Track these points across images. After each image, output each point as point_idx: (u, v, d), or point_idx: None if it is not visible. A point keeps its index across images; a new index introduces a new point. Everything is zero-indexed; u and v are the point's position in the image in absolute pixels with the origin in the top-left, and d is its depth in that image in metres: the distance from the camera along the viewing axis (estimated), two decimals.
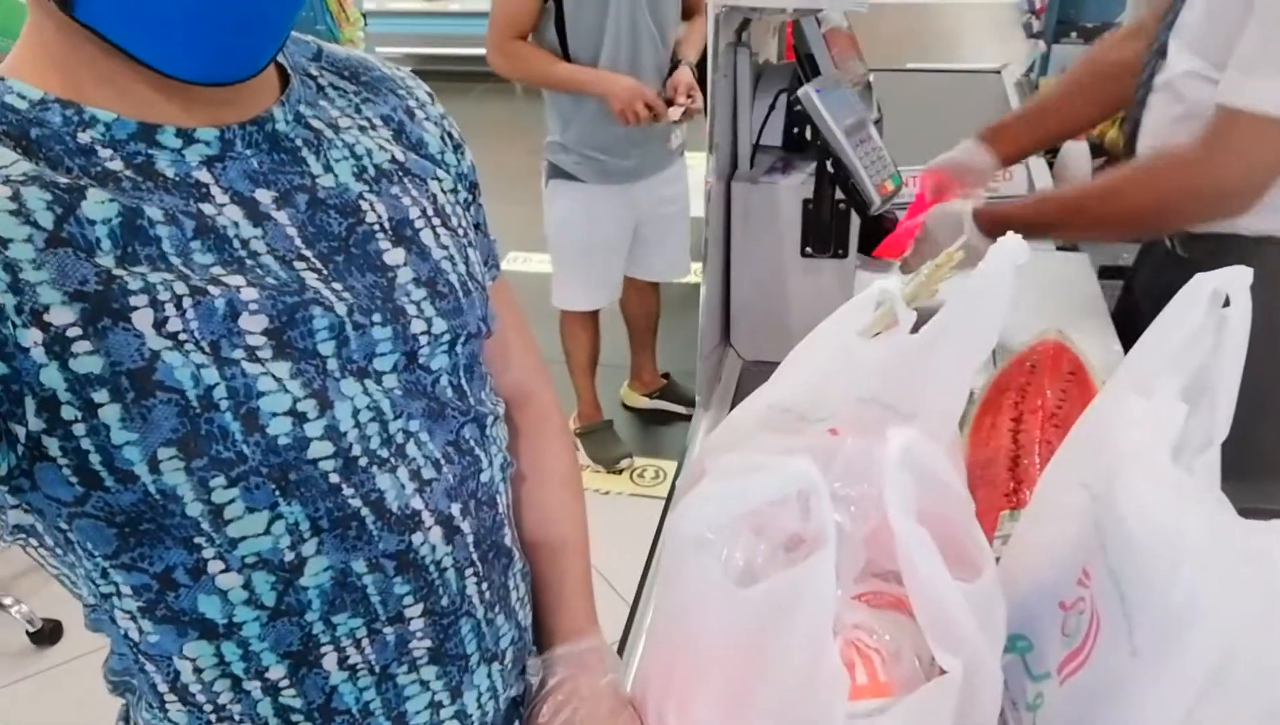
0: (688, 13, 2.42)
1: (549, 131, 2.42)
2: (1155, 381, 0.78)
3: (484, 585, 0.73)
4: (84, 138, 0.57)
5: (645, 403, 3.03)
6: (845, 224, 1.38)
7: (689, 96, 2.33)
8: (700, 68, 2.39)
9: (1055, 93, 1.64)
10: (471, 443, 0.72)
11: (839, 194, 1.30)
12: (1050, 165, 2.15)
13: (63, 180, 0.55)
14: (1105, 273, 1.95)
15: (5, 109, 0.56)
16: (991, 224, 1.36)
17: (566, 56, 2.29)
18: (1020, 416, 1.14)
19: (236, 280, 0.59)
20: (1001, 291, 0.89)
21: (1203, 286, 0.81)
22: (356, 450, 0.63)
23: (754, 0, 1.17)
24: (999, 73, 3.00)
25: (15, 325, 0.51)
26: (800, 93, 1.19)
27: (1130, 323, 1.53)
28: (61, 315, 0.52)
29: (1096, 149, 2.19)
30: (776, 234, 1.43)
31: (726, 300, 1.53)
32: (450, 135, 0.78)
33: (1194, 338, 0.79)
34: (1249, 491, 0.78)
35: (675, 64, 2.39)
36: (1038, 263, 1.78)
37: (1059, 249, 1.87)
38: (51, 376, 0.53)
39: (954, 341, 0.88)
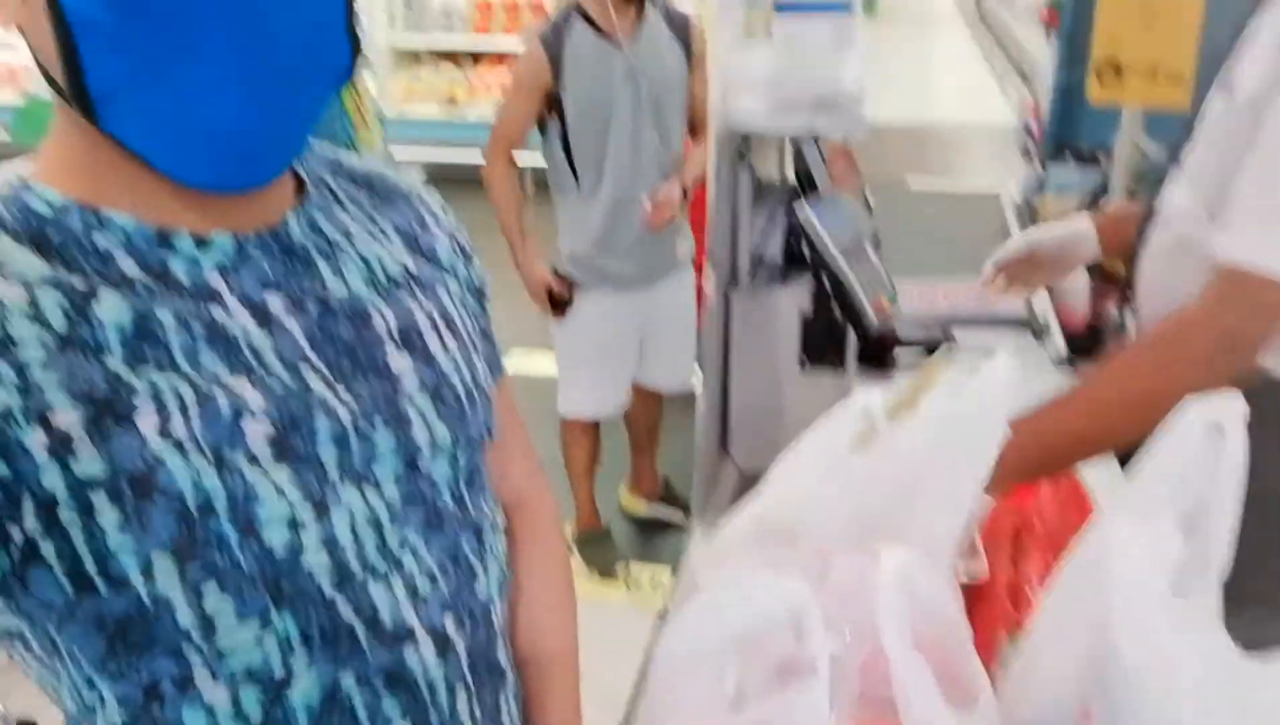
0: (693, 128, 2.45)
1: (559, 236, 2.46)
2: (1152, 509, 0.77)
3: (475, 705, 0.71)
4: (102, 242, 0.58)
5: (643, 509, 3.00)
6: (843, 337, 1.39)
7: (660, 205, 2.36)
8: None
9: None
10: (469, 553, 0.71)
11: (836, 309, 1.31)
12: (1049, 287, 2.18)
13: (78, 283, 0.56)
14: None
15: (29, 212, 0.57)
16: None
17: (572, 169, 2.35)
18: (1018, 536, 1.12)
19: (242, 385, 0.59)
20: (995, 411, 0.89)
21: (1196, 415, 0.81)
22: (352, 560, 0.62)
23: (754, 123, 1.21)
24: (997, 197, 3.09)
25: (20, 426, 0.52)
26: (797, 209, 1.21)
27: (1128, 447, 1.51)
28: (67, 417, 0.53)
29: (1093, 269, 2.23)
30: (775, 345, 1.44)
31: (725, 409, 1.53)
32: (460, 245, 0.79)
33: (1191, 465, 0.79)
34: (1257, 622, 0.76)
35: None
36: (1034, 381, 1.80)
37: (1056, 365, 1.88)
38: (52, 479, 0.52)
39: (946, 460, 0.88)
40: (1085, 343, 2.03)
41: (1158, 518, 0.74)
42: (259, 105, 0.55)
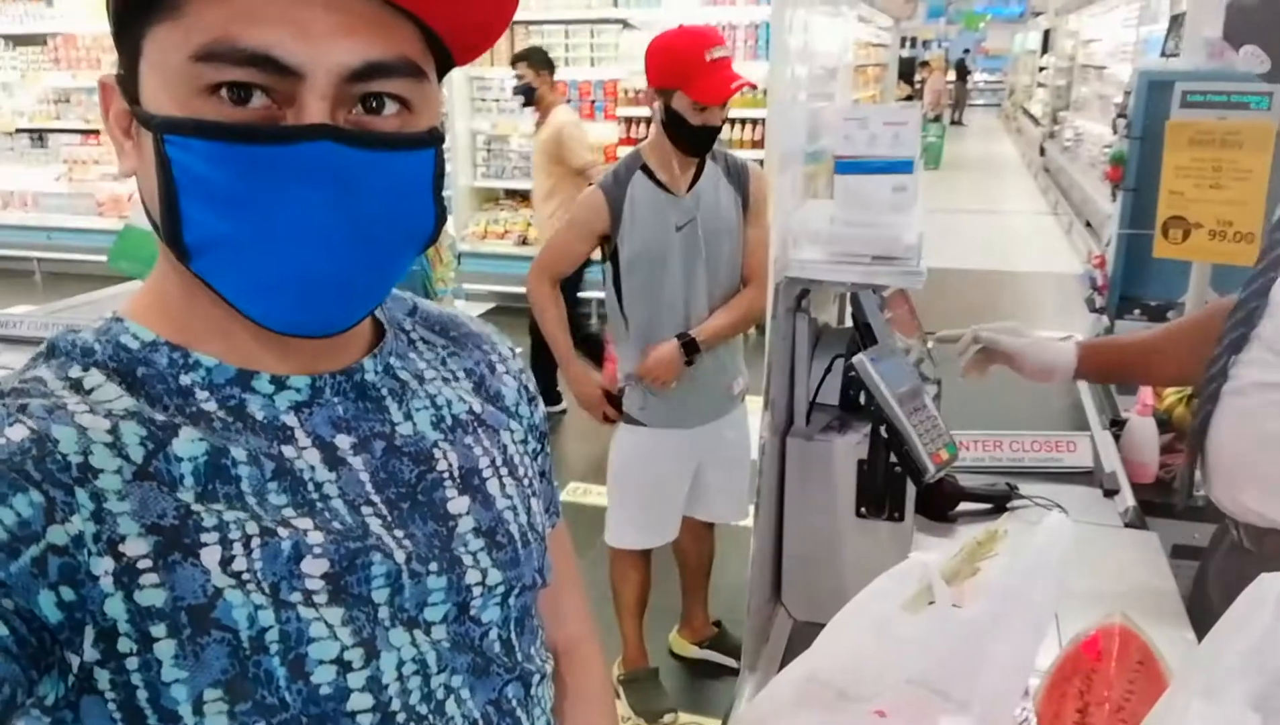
0: (744, 278, 2.43)
1: (619, 365, 2.51)
2: (1224, 686, 0.73)
3: None
4: (185, 380, 0.61)
5: (694, 652, 2.91)
6: (901, 487, 1.37)
7: (649, 371, 2.35)
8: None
9: (1163, 331, 1.62)
10: (514, 703, 0.71)
11: (893, 458, 1.30)
12: (1116, 438, 2.14)
13: (159, 417, 0.58)
14: (1179, 552, 1.88)
15: (119, 347, 0.61)
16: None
17: (622, 312, 2.40)
18: (1085, 707, 1.07)
19: (305, 523, 0.60)
20: (1053, 572, 0.87)
21: (1269, 588, 0.77)
22: (395, 704, 0.62)
23: (813, 273, 1.24)
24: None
25: (91, 553, 0.53)
26: (855, 360, 1.22)
27: (1203, 611, 1.45)
28: (136, 547, 0.54)
29: (1164, 424, 2.17)
30: (831, 492, 1.42)
31: (778, 555, 1.51)
32: (527, 388, 0.81)
33: (1265, 640, 0.75)
34: None
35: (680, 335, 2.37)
36: (1103, 540, 1.75)
37: (1127, 526, 1.82)
38: (115, 607, 0.53)
39: (1007, 624, 0.85)
40: (1154, 497, 1.96)
41: (1230, 694, 0.70)
42: (343, 267, 0.57)
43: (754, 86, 2.30)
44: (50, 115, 7.29)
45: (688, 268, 2.32)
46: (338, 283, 0.57)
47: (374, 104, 0.57)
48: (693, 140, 2.24)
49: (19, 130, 7.42)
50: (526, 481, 0.76)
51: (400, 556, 0.63)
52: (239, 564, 0.56)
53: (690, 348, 2.34)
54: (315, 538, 0.60)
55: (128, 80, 0.58)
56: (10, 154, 7.49)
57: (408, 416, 0.69)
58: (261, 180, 0.54)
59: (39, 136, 7.42)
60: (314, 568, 0.59)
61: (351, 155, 0.55)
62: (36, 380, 0.58)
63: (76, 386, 0.58)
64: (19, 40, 7.20)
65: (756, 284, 2.36)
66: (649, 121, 2.40)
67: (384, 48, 0.56)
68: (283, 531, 0.59)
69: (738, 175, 2.38)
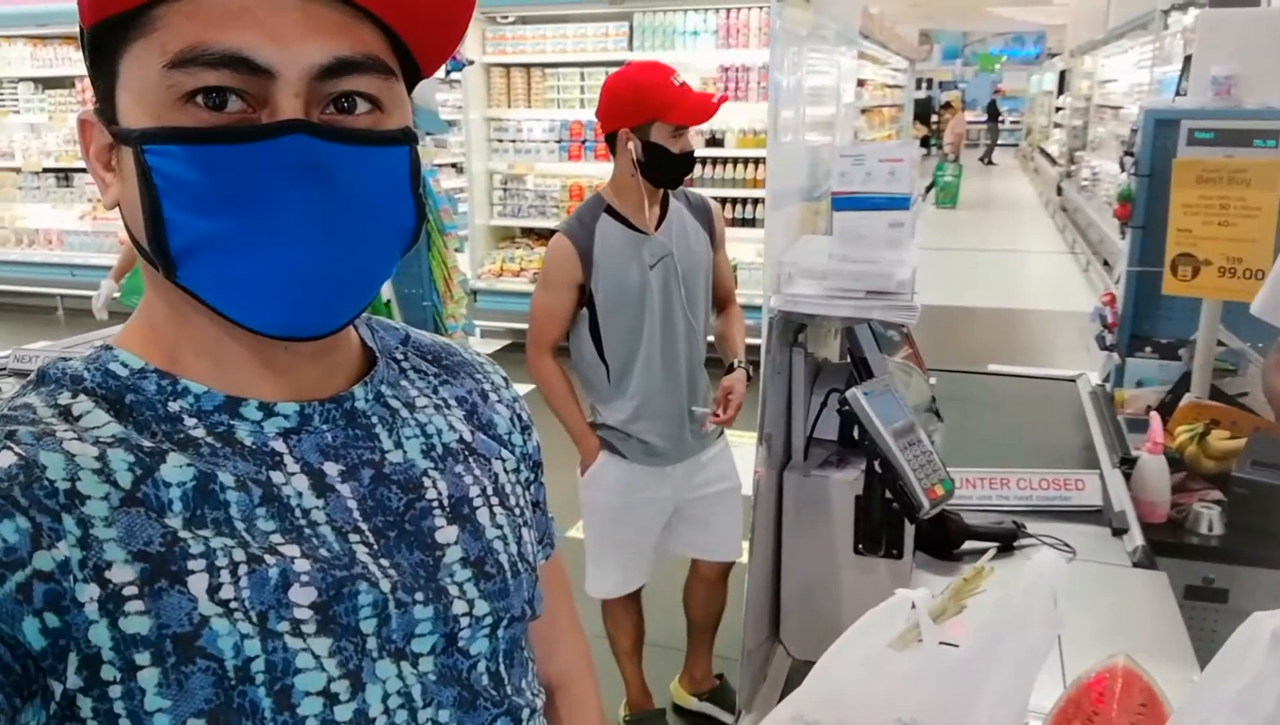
0: (720, 304, 2.44)
1: (590, 413, 2.45)
2: (1220, 718, 0.72)
3: None
4: (174, 406, 0.60)
5: (693, 704, 2.86)
6: (899, 524, 1.36)
7: (725, 407, 2.30)
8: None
9: None
10: None
11: (889, 494, 1.29)
12: (1127, 477, 2.11)
13: (147, 443, 0.58)
14: (1191, 593, 1.84)
15: (108, 375, 0.61)
16: None
17: (602, 359, 2.30)
18: None
19: (292, 550, 0.59)
20: (1044, 609, 0.85)
21: (1261, 627, 0.76)
22: None
23: (808, 308, 1.24)
24: (1074, 381, 3.03)
25: (77, 579, 0.52)
26: (848, 394, 1.22)
27: None
28: (122, 573, 0.53)
29: (1175, 462, 2.14)
30: (829, 528, 1.41)
31: (776, 593, 1.49)
32: (520, 417, 0.80)
33: (1258, 681, 0.74)
34: None
35: (730, 367, 2.36)
36: (1111, 580, 1.71)
37: (1136, 565, 1.79)
38: (100, 634, 0.53)
39: (998, 662, 0.84)
40: (1165, 537, 1.93)
41: None
42: (329, 262, 0.57)
43: (725, 99, 2.33)
44: (75, 155, 7.43)
45: (666, 305, 2.27)
46: (325, 280, 0.57)
47: (345, 104, 0.58)
48: (676, 169, 2.20)
49: (45, 170, 7.58)
50: (518, 511, 0.75)
51: (386, 585, 0.62)
52: (226, 592, 0.56)
53: (747, 369, 2.37)
54: (302, 565, 0.59)
55: (105, 109, 0.58)
56: (36, 193, 7.64)
57: (398, 444, 0.68)
58: (241, 179, 0.54)
59: (65, 176, 7.57)
60: (301, 596, 0.58)
61: (327, 149, 0.55)
62: (25, 407, 0.58)
63: (65, 413, 0.58)
64: (48, 83, 7.38)
65: (732, 302, 2.48)
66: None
67: (352, 46, 0.57)
68: (270, 559, 0.58)
69: (702, 210, 2.37)
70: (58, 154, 7.49)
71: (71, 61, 7.19)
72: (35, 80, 7.41)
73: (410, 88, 0.64)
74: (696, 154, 2.23)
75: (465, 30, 0.64)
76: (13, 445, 0.54)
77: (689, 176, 2.26)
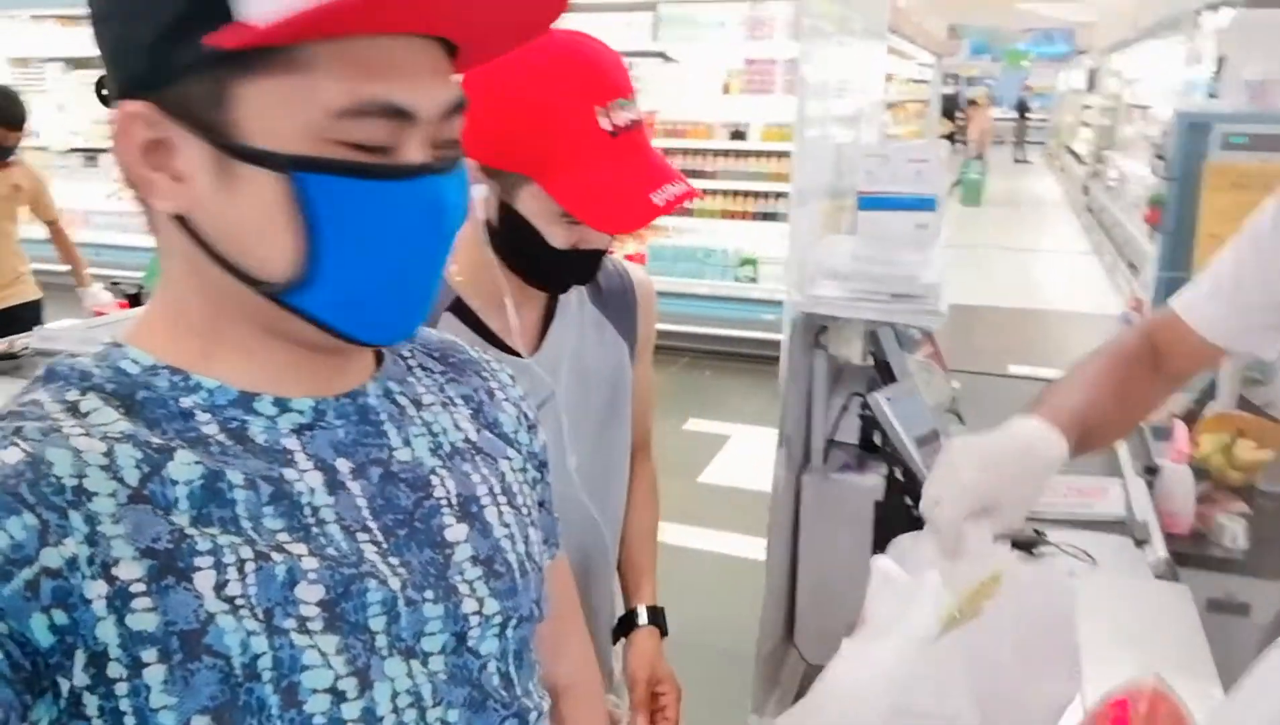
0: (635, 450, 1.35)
1: None
2: None
3: None
4: (186, 402, 0.61)
5: None
6: (919, 530, 1.34)
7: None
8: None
9: (1086, 401, 1.11)
10: None
11: (910, 501, 1.27)
12: (1150, 486, 2.08)
13: (156, 440, 0.58)
14: (1213, 606, 1.82)
15: (118, 372, 0.61)
16: None
17: None
18: None
19: (300, 548, 0.60)
20: (1063, 611, 0.84)
21: None
22: None
23: (830, 309, 1.22)
24: None
25: (84, 576, 0.53)
26: (870, 398, 1.20)
27: None
28: (129, 570, 0.54)
29: (1200, 472, 2.11)
30: (847, 533, 1.39)
31: (792, 596, 1.48)
32: (526, 416, 0.81)
33: None
34: None
35: (628, 619, 1.33)
36: (1133, 592, 1.69)
37: (1158, 577, 1.76)
38: (107, 631, 0.53)
39: (1020, 667, 0.82)
40: (1189, 549, 1.90)
41: None
42: (432, 281, 0.63)
43: (696, 195, 1.09)
44: (103, 135, 7.48)
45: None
46: (425, 295, 0.63)
47: (445, 134, 0.62)
48: (555, 267, 1.10)
49: (73, 150, 7.64)
50: (525, 510, 0.75)
51: (395, 583, 0.63)
52: (233, 589, 0.56)
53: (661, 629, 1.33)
54: (310, 563, 0.59)
55: (199, 117, 0.56)
56: (63, 171, 7.71)
57: (406, 442, 0.69)
58: (388, 214, 0.58)
59: (91, 156, 7.63)
60: (309, 594, 0.59)
61: (445, 184, 0.60)
62: (33, 403, 0.58)
63: (73, 410, 0.58)
64: (78, 63, 7.43)
65: (645, 457, 1.39)
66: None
67: (455, 84, 0.62)
68: (277, 556, 0.58)
69: (619, 299, 1.28)
70: (86, 134, 7.55)
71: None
72: (65, 60, 7.47)
73: None
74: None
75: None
76: (19, 441, 0.55)
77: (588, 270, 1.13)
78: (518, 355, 1.13)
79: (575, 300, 1.21)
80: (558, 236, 1.03)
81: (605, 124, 0.99)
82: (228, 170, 0.57)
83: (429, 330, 0.81)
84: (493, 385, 0.80)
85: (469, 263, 1.10)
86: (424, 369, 0.76)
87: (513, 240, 1.06)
